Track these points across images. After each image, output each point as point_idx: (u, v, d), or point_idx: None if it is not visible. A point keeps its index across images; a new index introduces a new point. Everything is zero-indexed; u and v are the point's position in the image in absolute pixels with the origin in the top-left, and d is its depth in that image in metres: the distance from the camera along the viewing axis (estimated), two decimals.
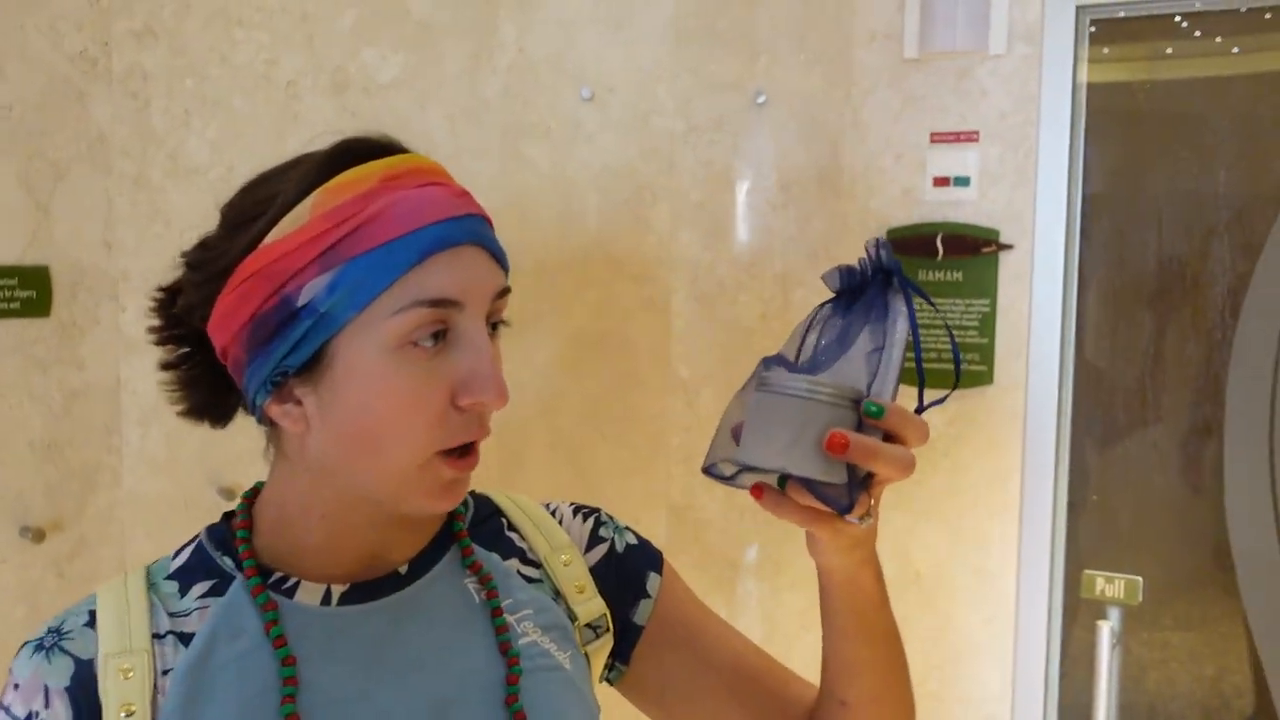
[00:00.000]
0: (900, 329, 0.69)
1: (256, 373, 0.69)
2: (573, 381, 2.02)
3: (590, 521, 0.90)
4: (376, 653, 0.74)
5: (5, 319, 1.94)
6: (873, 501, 0.69)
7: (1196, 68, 1.74)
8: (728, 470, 0.71)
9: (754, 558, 1.95)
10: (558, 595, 0.83)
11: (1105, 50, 1.75)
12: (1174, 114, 1.77)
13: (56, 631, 0.72)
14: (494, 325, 0.74)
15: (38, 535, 1.96)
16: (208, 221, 0.76)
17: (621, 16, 1.95)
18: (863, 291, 0.73)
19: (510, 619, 0.79)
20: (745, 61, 1.89)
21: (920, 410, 0.71)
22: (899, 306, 0.70)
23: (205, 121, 2.11)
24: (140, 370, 2.07)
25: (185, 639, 0.72)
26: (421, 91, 2.05)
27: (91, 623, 0.72)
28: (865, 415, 0.66)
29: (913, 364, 0.71)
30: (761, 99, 1.88)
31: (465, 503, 0.84)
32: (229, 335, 0.70)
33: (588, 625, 0.83)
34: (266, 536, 0.77)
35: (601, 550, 0.88)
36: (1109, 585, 1.71)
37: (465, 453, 0.72)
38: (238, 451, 1.88)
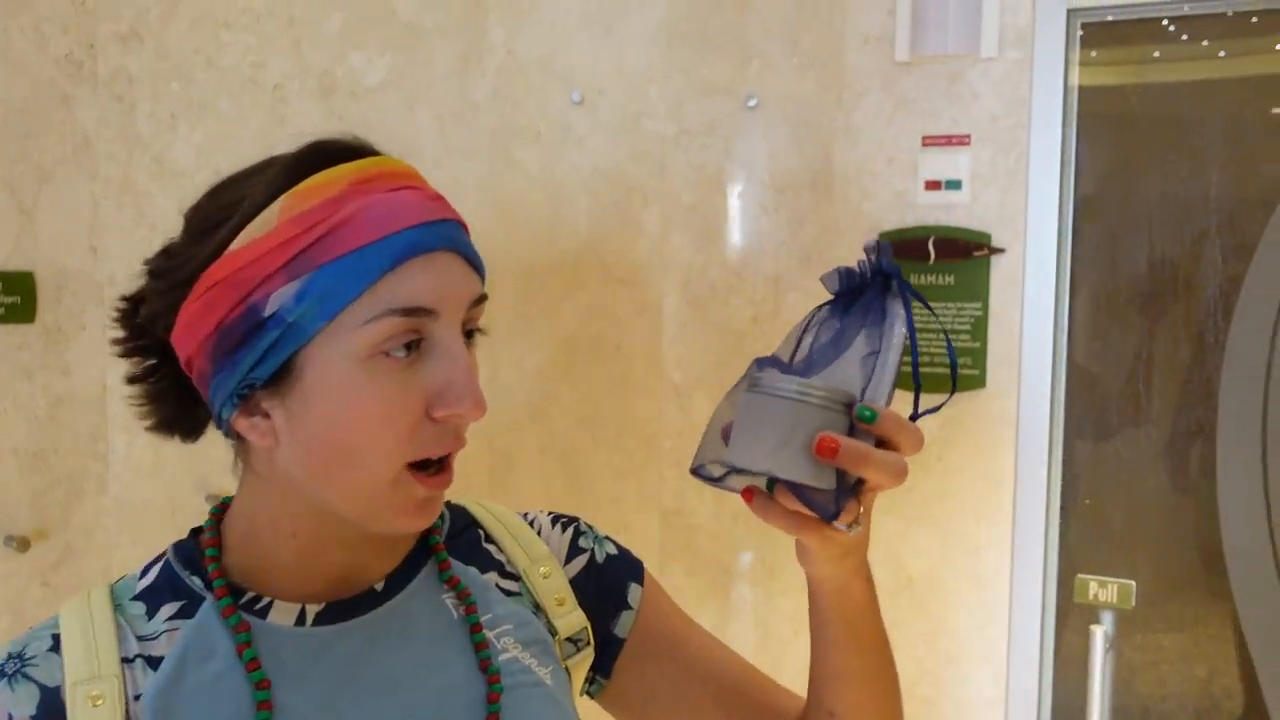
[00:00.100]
0: (897, 333, 0.68)
1: (222, 385, 0.67)
2: (564, 386, 2.01)
3: (569, 532, 0.88)
4: (353, 673, 0.72)
5: None
6: (862, 509, 0.68)
7: (1185, 71, 1.74)
8: (716, 471, 0.70)
9: (747, 563, 1.94)
10: (537, 609, 0.81)
11: (1093, 54, 1.75)
12: (1164, 117, 1.77)
13: (19, 657, 0.68)
14: (470, 333, 0.72)
15: (22, 544, 1.93)
16: None
17: (612, 19, 1.94)
18: (860, 294, 0.71)
19: (490, 635, 0.77)
20: (737, 64, 1.88)
21: (915, 418, 0.70)
22: (897, 310, 0.69)
23: (191, 125, 2.10)
24: None
25: (154, 663, 0.69)
26: (410, 94, 2.04)
27: (56, 647, 0.69)
28: (858, 420, 0.65)
29: (909, 369, 0.70)
30: (753, 102, 1.87)
31: (441, 515, 0.82)
32: (193, 346, 0.67)
33: (568, 639, 0.81)
34: (236, 554, 0.74)
35: (581, 561, 0.86)
36: (1102, 589, 1.71)
37: (439, 469, 0.70)
38: (226, 458, 1.87)
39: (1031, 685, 1.78)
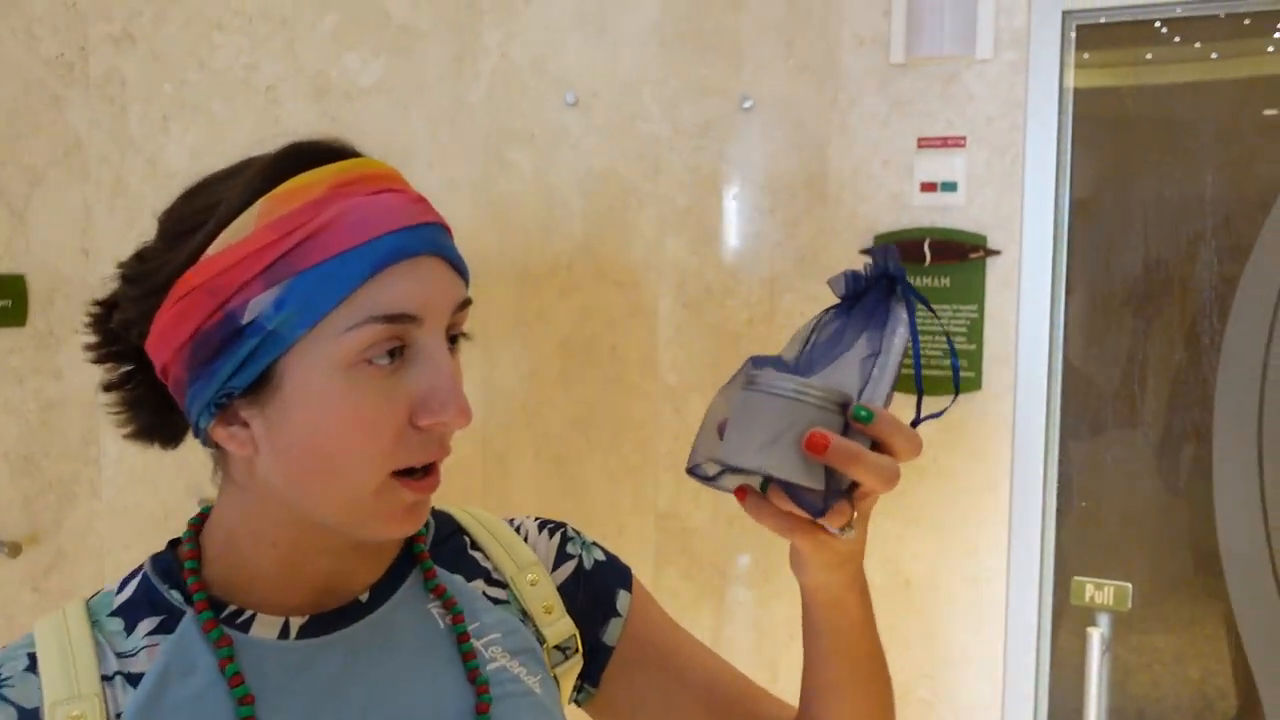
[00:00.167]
0: (900, 337, 0.68)
1: (199, 394, 0.65)
2: (559, 389, 2.00)
3: (557, 537, 0.86)
4: (339, 687, 0.70)
5: None
6: (856, 515, 0.66)
7: (1179, 73, 1.75)
8: (711, 470, 0.69)
9: (743, 566, 1.93)
10: (525, 616, 0.80)
11: (1086, 56, 1.75)
12: (1159, 119, 1.77)
13: None
14: (454, 338, 0.71)
15: (13, 550, 1.92)
16: None
17: (606, 20, 1.94)
18: (863, 296, 0.71)
19: (477, 644, 0.75)
20: (731, 66, 1.88)
21: (917, 423, 0.69)
22: (899, 314, 0.68)
23: (184, 127, 2.09)
24: None
25: (134, 680, 0.67)
26: (403, 96, 2.03)
27: (32, 666, 0.66)
28: (853, 420, 0.64)
29: (909, 372, 0.70)
30: (748, 104, 1.87)
31: (425, 522, 0.79)
32: (169, 354, 0.65)
33: (556, 647, 0.80)
34: (216, 566, 0.72)
35: (569, 568, 0.84)
36: (1099, 592, 1.71)
37: (426, 473, 0.68)
38: None
39: (1028, 688, 1.78)
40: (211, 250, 0.63)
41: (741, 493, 0.68)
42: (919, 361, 0.70)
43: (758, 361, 0.69)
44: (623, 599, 0.84)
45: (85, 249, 2.04)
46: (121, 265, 0.70)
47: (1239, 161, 1.71)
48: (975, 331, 1.76)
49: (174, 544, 0.74)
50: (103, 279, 0.71)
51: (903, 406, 0.67)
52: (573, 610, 0.82)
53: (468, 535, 0.83)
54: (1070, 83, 1.74)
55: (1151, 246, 1.76)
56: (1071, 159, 1.74)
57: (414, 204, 0.67)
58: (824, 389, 0.64)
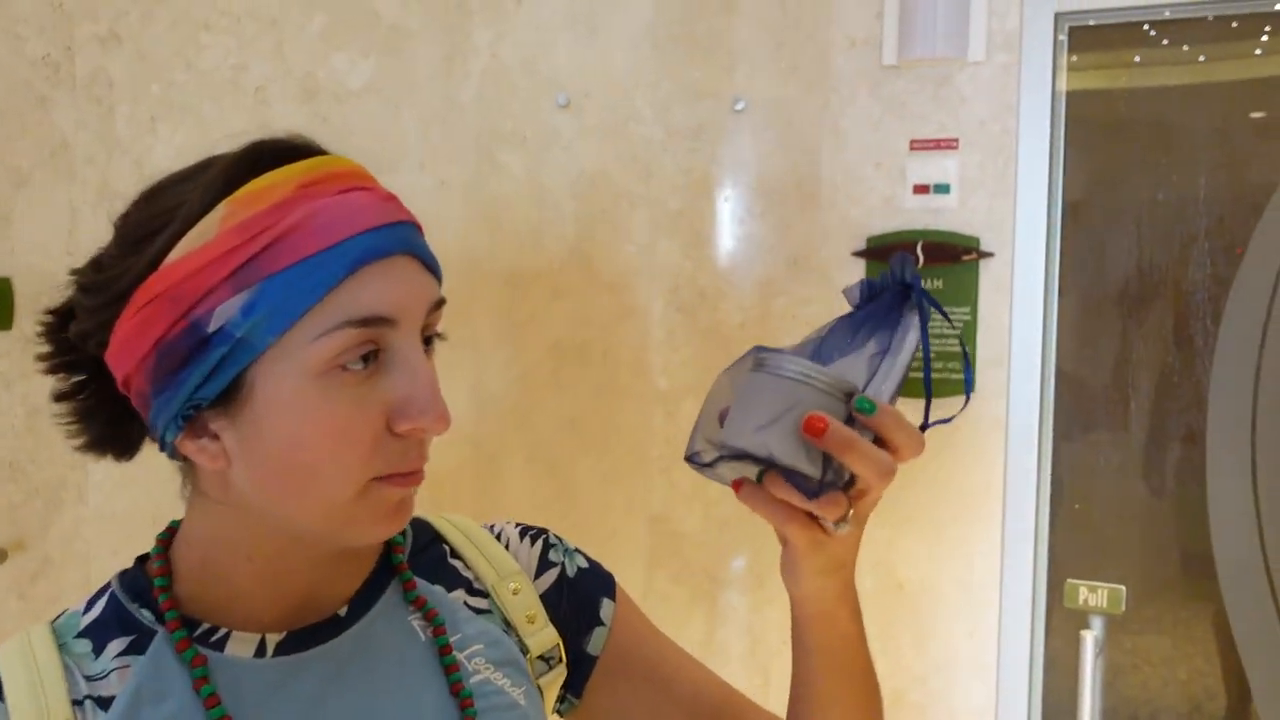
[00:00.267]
0: (910, 339, 0.67)
1: (165, 406, 0.62)
2: (551, 393, 1.99)
3: (539, 544, 0.83)
4: (319, 705, 0.68)
5: None
6: (852, 513, 0.65)
7: (1170, 76, 1.75)
8: (708, 456, 0.68)
9: (735, 571, 1.93)
10: (508, 626, 0.78)
11: (1075, 59, 1.75)
12: (1152, 122, 1.77)
13: None
14: (428, 340, 0.68)
15: None
16: None
17: (598, 22, 1.93)
18: (877, 300, 0.70)
19: (460, 656, 0.73)
20: (724, 68, 1.87)
21: (925, 427, 0.68)
22: (912, 319, 0.68)
23: (172, 128, 2.07)
24: None
25: (105, 703, 0.65)
26: (393, 97, 2.02)
27: None
28: (856, 411, 0.63)
29: (918, 376, 0.69)
30: (740, 106, 1.86)
31: (403, 531, 0.78)
32: (131, 365, 0.62)
33: (540, 657, 0.78)
34: (188, 583, 0.69)
35: (552, 576, 0.82)
36: (1092, 594, 1.70)
37: (409, 472, 0.66)
38: None
39: (1022, 690, 1.78)
40: (173, 256, 0.61)
41: (737, 484, 0.67)
42: (929, 369, 0.69)
43: (762, 350, 0.68)
44: (606, 607, 0.83)
45: (71, 251, 2.02)
46: (76, 273, 0.66)
47: (1231, 164, 1.71)
48: (968, 334, 1.76)
49: (142, 560, 0.71)
50: (58, 285, 0.68)
51: (911, 412, 0.66)
52: (556, 619, 0.80)
53: (447, 543, 0.81)
54: (1062, 85, 1.74)
55: (1144, 249, 1.76)
56: (1064, 161, 1.74)
57: (384, 202, 0.65)
58: (830, 375, 0.63)
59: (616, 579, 0.85)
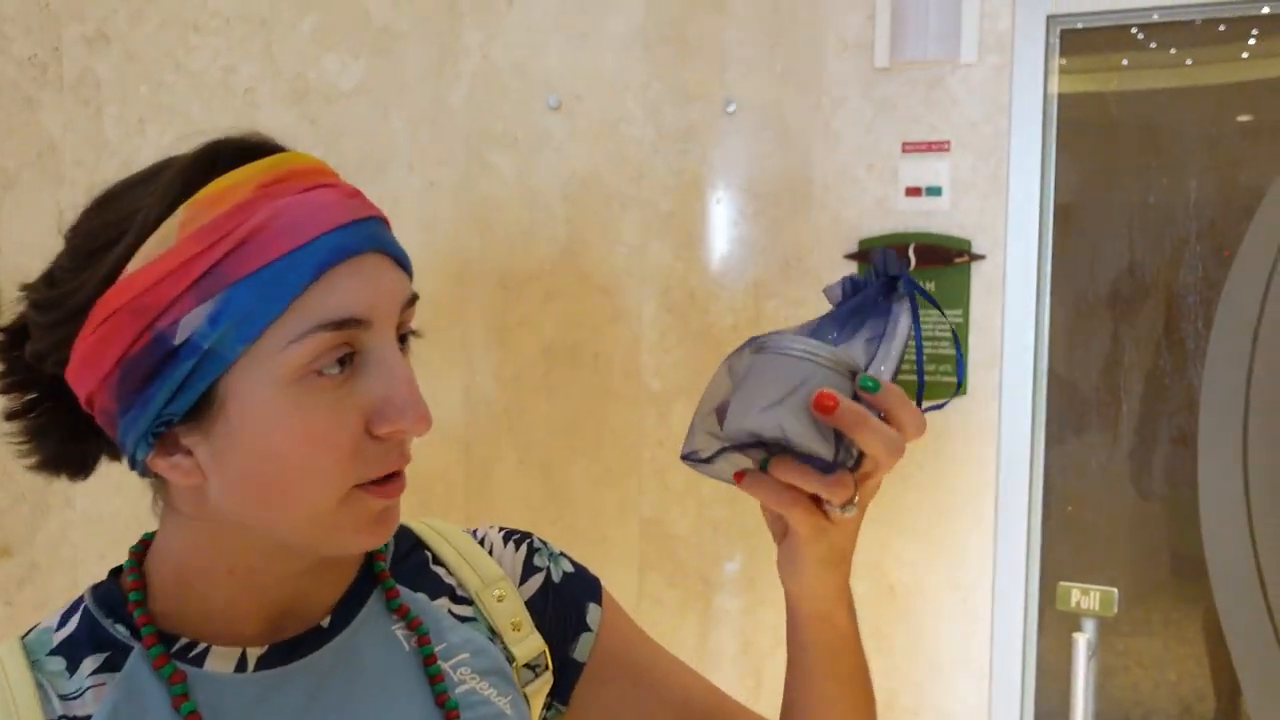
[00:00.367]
0: (903, 323, 0.67)
1: (133, 424, 0.59)
2: (542, 395, 1.98)
3: (523, 549, 0.81)
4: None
5: None
6: (858, 499, 0.64)
7: (1161, 79, 1.75)
8: (708, 450, 0.66)
9: (727, 573, 1.92)
10: (493, 634, 0.76)
11: (1065, 61, 1.75)
12: (1143, 124, 1.78)
13: None
14: (403, 338, 0.66)
15: None
16: None
17: (589, 23, 1.92)
18: (862, 293, 0.70)
19: (445, 666, 0.71)
20: (715, 70, 1.87)
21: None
22: (902, 305, 0.67)
23: (160, 130, 2.06)
24: None
25: None
26: (383, 98, 2.01)
27: None
28: (861, 389, 0.62)
29: (909, 369, 0.69)
30: (732, 108, 1.86)
31: None
32: (94, 383, 0.59)
33: (526, 665, 0.76)
34: (164, 597, 0.66)
35: (537, 581, 0.80)
36: (1084, 597, 1.70)
37: (390, 478, 0.64)
38: None
39: (1014, 693, 1.78)
40: (131, 267, 0.58)
41: (739, 475, 0.65)
42: (921, 354, 0.69)
43: (761, 336, 0.67)
44: (593, 613, 0.81)
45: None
46: (28, 289, 0.63)
47: (1221, 167, 1.72)
48: (960, 336, 1.76)
49: (116, 573, 0.69)
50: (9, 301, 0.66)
51: None
52: (541, 626, 0.78)
53: (429, 550, 0.79)
54: (1054, 87, 1.74)
55: (1136, 251, 1.76)
56: (1056, 164, 1.74)
57: (349, 198, 0.62)
58: (835, 353, 0.63)
59: (603, 582, 0.84)
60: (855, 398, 0.62)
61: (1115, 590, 1.70)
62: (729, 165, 1.88)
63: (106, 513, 2.05)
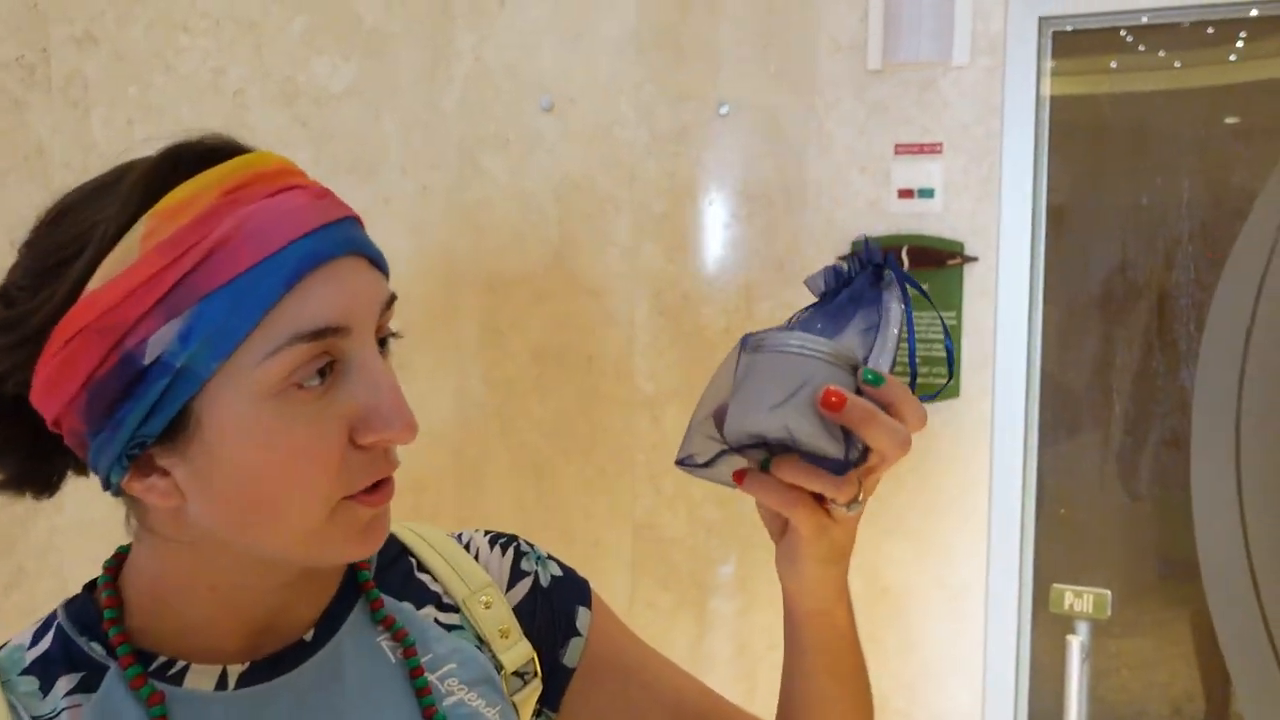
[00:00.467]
0: (895, 311, 0.65)
1: (105, 447, 0.57)
2: (534, 398, 1.98)
3: (510, 553, 0.79)
4: None
5: None
6: (862, 495, 0.63)
7: (1153, 81, 1.76)
8: (706, 455, 0.65)
9: (721, 576, 1.92)
10: (480, 642, 0.74)
11: (1055, 64, 1.75)
12: (1135, 126, 1.78)
13: None
14: (382, 341, 0.63)
15: None
16: None
17: (582, 25, 1.92)
18: (848, 285, 0.69)
19: (432, 678, 0.69)
20: (708, 72, 1.87)
21: None
22: (892, 293, 0.66)
23: (150, 132, 2.04)
24: None
25: None
26: (375, 101, 2.00)
27: None
28: (863, 383, 0.61)
29: (902, 358, 0.68)
30: (725, 110, 1.86)
31: None
32: (60, 405, 0.57)
33: (515, 673, 0.74)
34: (141, 614, 0.64)
35: (525, 586, 0.78)
36: (1078, 599, 1.70)
37: (377, 486, 0.62)
38: None
39: (1007, 695, 1.78)
40: (93, 284, 0.55)
41: (739, 475, 0.64)
42: (914, 343, 0.67)
43: (755, 334, 0.65)
44: (582, 617, 0.79)
45: None
46: None
47: (1213, 169, 1.72)
48: (953, 338, 1.76)
49: (90, 587, 0.66)
50: None
51: None
52: (530, 632, 0.76)
53: (413, 556, 0.76)
54: (1046, 89, 1.74)
55: (1128, 253, 1.77)
56: (1048, 165, 1.75)
57: (319, 199, 0.59)
58: (834, 348, 0.61)
59: (592, 585, 0.82)
60: (857, 392, 0.61)
61: (1108, 593, 1.70)
62: (722, 167, 1.87)
63: (95, 517, 2.03)
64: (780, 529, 0.69)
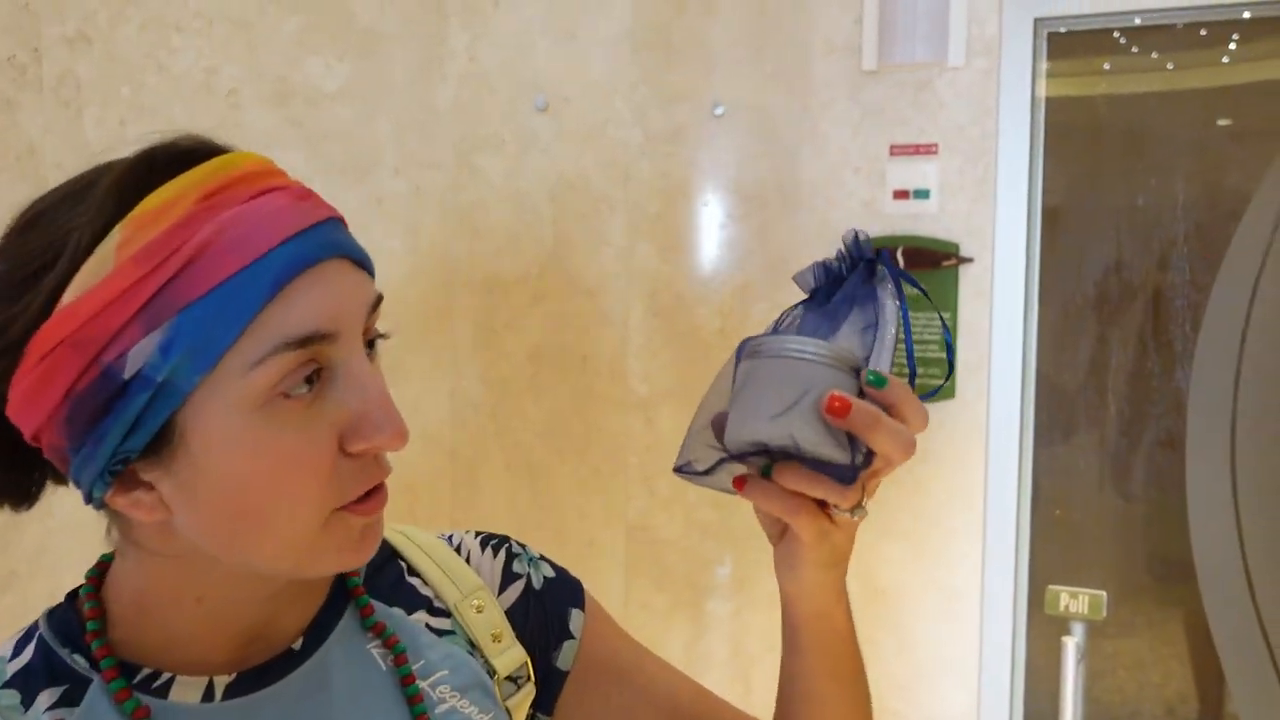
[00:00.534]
0: (890, 308, 0.64)
1: (87, 463, 0.55)
2: (528, 398, 1.97)
3: (501, 555, 0.78)
4: None
5: None
6: (866, 498, 0.63)
7: (1149, 82, 1.76)
8: (705, 463, 0.64)
9: (715, 578, 1.91)
10: (473, 648, 0.72)
11: (1054, 65, 1.75)
12: (1130, 128, 1.78)
13: None
14: (370, 342, 0.61)
15: None
16: None
17: (576, 25, 1.91)
18: (841, 284, 0.67)
19: (424, 685, 0.67)
20: (703, 72, 1.86)
21: None
22: (886, 289, 0.65)
23: (142, 132, 2.03)
24: None
25: None
26: (369, 102, 1.99)
27: None
28: (867, 385, 0.60)
29: (899, 356, 0.67)
30: (719, 110, 1.85)
31: None
32: (39, 420, 0.55)
33: (508, 678, 0.73)
34: (124, 626, 0.62)
35: (518, 589, 0.76)
36: (1073, 601, 1.70)
37: (370, 494, 0.60)
38: None
39: (1003, 696, 1.77)
40: (68, 297, 0.53)
41: (740, 481, 0.63)
42: (910, 340, 0.66)
43: (752, 339, 0.64)
44: (575, 619, 0.78)
45: None
46: None
47: (1208, 170, 1.72)
48: (950, 337, 1.76)
49: (73, 596, 0.65)
50: None
51: None
52: (523, 635, 0.75)
53: (403, 560, 0.75)
54: (1042, 91, 1.74)
55: (1123, 254, 1.77)
56: (1043, 166, 1.75)
57: (301, 201, 0.57)
58: (835, 351, 0.60)
59: (585, 585, 0.81)
60: (859, 394, 0.60)
61: (1104, 594, 1.70)
62: (716, 168, 1.87)
63: (88, 519, 2.01)
64: (778, 533, 0.68)
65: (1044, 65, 1.74)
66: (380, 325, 0.63)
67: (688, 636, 1.92)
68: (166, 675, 0.62)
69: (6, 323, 0.54)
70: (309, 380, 0.56)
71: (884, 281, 0.65)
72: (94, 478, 0.55)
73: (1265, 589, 1.68)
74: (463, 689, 0.69)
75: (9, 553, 1.95)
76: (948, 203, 1.75)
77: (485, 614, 0.74)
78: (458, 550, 0.77)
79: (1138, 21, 1.70)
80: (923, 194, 1.76)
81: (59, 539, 2.01)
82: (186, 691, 0.62)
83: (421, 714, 0.66)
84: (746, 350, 0.62)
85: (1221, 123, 1.72)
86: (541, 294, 1.95)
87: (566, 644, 0.77)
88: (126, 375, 0.52)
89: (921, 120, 1.76)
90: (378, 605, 0.70)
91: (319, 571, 0.62)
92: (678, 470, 0.66)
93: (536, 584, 0.78)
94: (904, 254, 1.76)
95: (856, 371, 0.61)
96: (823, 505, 0.63)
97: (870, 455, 0.61)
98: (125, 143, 0.58)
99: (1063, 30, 1.73)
